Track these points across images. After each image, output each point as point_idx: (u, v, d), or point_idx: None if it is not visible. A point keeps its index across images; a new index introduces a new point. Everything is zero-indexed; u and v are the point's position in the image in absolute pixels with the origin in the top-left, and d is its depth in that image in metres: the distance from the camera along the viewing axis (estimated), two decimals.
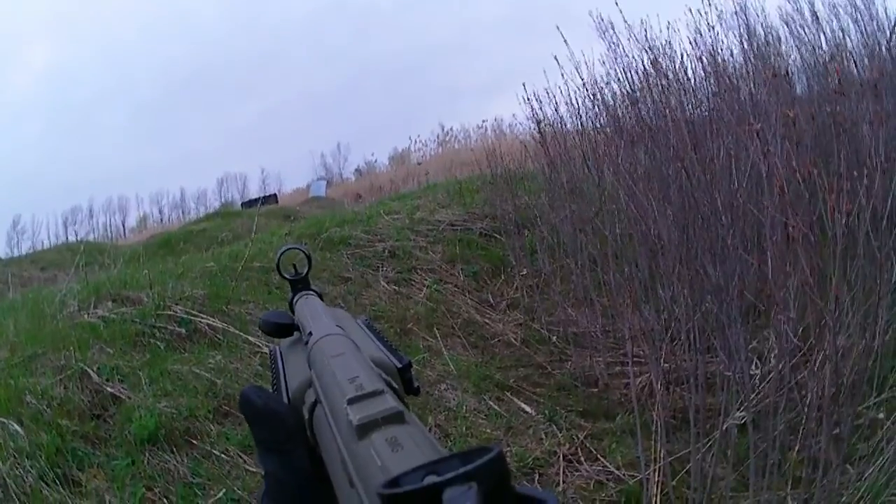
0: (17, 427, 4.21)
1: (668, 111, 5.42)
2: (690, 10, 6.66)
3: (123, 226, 42.67)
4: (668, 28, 6.85)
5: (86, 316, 5.85)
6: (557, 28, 6.90)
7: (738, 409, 4.00)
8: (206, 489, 4.10)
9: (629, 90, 6.79)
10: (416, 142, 25.39)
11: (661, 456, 4.14)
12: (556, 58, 7.16)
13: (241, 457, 4.36)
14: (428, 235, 8.56)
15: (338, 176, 40.03)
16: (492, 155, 8.88)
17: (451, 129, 24.40)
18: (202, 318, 5.82)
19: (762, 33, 7.22)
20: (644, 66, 6.52)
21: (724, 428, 3.95)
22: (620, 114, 6.75)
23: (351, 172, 40.28)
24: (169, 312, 5.80)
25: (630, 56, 6.85)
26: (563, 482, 4.34)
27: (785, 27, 7.43)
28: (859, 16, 7.15)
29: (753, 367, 4.50)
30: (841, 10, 7.13)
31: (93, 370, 4.81)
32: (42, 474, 3.93)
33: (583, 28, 7.31)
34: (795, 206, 3.56)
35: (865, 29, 7.15)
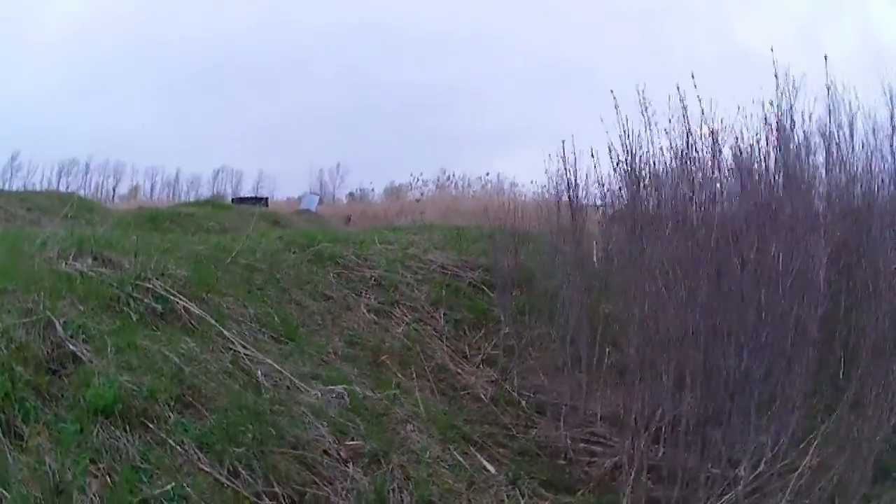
0: None
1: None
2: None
3: (114, 191, 42.52)
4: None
5: (64, 265, 5.62)
6: (613, 96, 6.65)
7: None
8: (153, 478, 3.84)
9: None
10: (416, 179, 25.33)
11: None
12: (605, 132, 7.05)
13: (196, 452, 4.12)
14: (417, 273, 8.43)
15: (330, 195, 40.07)
16: (502, 209, 8.76)
17: (453, 174, 24.45)
18: (180, 299, 5.59)
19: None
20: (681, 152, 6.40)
21: None
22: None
23: (344, 194, 40.36)
24: (148, 285, 5.59)
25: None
26: None
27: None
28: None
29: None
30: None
31: (59, 322, 4.57)
32: None
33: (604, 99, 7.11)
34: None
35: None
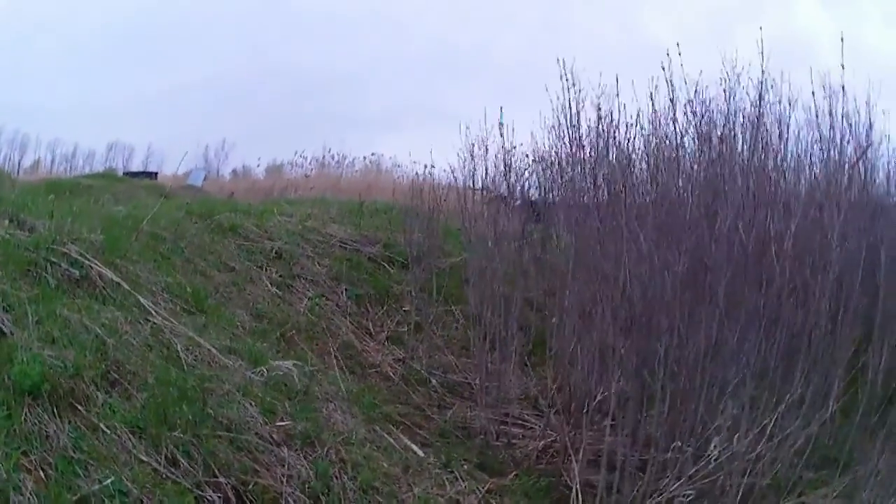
0: None
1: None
2: None
3: (19, 164, 40.40)
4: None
5: None
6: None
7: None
8: (88, 469, 3.41)
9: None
10: (299, 156, 24.76)
11: None
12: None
13: (130, 438, 3.72)
14: (317, 246, 8.25)
15: (215, 171, 39.23)
16: (416, 189, 8.53)
17: (337, 153, 23.97)
18: (96, 264, 5.20)
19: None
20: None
21: None
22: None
23: (228, 171, 39.50)
24: (64, 250, 5.17)
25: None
26: None
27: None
28: None
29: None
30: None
31: None
32: None
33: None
34: None
35: None
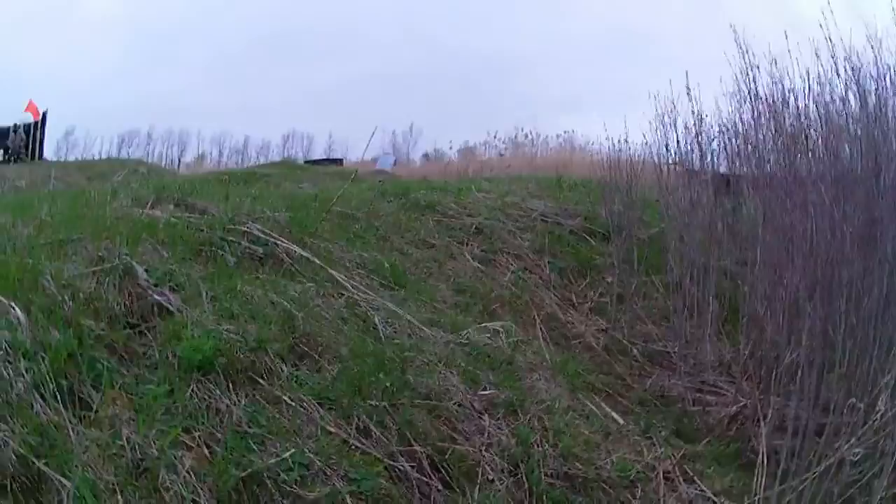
0: (19, 314, 3.27)
1: None
2: None
3: (180, 159, 41.06)
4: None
5: (140, 214, 5.16)
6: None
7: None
8: (265, 444, 3.28)
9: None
10: (492, 137, 25.02)
11: (761, 489, 4.12)
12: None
13: (318, 409, 3.64)
14: (518, 221, 8.43)
15: (405, 156, 39.65)
16: (613, 161, 8.61)
17: (530, 132, 24.08)
18: (282, 241, 5.19)
19: None
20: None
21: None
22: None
23: (418, 156, 39.92)
24: (244, 229, 5.14)
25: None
26: (664, 502, 4.27)
27: None
28: None
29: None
30: None
31: (140, 269, 4.00)
32: (39, 383, 3.00)
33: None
34: None
35: None
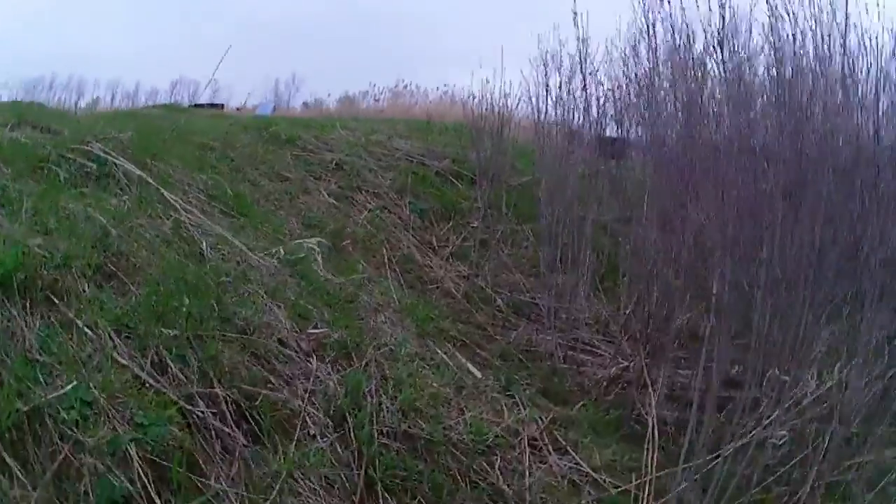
0: None
1: None
2: None
3: (76, 105, 40.65)
4: None
5: None
6: None
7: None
8: (52, 374, 2.75)
9: None
10: (372, 86, 24.33)
11: (653, 467, 3.45)
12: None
13: (113, 338, 3.03)
14: (381, 160, 7.82)
15: (285, 104, 39.23)
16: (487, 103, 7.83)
17: (410, 83, 23.39)
18: (121, 161, 4.73)
19: None
20: None
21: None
22: None
23: (299, 104, 39.38)
24: (86, 147, 4.75)
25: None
26: (529, 474, 3.55)
27: None
28: None
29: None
30: None
31: None
32: None
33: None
34: None
35: None
